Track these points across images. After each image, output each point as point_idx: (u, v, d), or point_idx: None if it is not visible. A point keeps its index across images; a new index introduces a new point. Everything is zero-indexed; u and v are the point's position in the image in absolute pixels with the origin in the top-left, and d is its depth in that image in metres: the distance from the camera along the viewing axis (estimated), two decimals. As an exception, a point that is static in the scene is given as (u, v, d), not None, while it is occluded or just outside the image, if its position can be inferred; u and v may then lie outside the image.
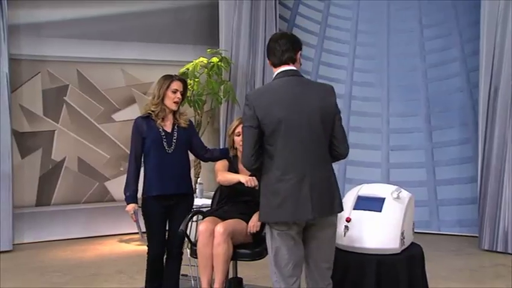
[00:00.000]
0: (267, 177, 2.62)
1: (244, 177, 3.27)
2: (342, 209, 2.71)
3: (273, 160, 2.59)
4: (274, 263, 2.65)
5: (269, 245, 2.67)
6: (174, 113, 3.43)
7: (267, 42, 2.77)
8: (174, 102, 3.38)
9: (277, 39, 2.68)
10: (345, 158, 2.73)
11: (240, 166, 3.49)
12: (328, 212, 2.62)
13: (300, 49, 2.71)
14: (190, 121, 3.55)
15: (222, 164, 3.50)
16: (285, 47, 2.64)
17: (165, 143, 3.35)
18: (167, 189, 3.35)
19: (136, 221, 3.38)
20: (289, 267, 2.63)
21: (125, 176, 3.41)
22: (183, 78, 3.53)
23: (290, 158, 2.57)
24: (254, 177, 3.25)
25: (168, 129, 3.40)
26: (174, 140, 3.38)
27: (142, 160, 3.41)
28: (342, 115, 2.70)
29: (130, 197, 3.35)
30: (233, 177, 3.36)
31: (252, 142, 2.59)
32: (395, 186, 3.28)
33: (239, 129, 3.41)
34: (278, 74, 2.67)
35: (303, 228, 2.65)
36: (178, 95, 3.39)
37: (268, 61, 2.74)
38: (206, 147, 3.62)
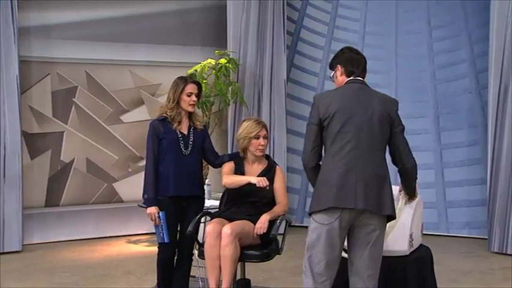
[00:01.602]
0: (322, 171, 2.69)
1: (254, 178, 3.26)
2: (392, 213, 2.65)
3: (330, 155, 2.67)
4: (308, 257, 2.67)
5: (307, 238, 2.69)
6: (190, 115, 3.45)
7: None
8: (190, 105, 3.41)
9: (358, 52, 2.85)
10: (411, 170, 2.76)
11: (247, 168, 3.49)
12: (375, 207, 2.60)
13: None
14: (204, 125, 3.59)
15: (228, 167, 3.48)
16: (363, 60, 2.83)
17: (182, 145, 3.38)
18: (183, 190, 3.36)
19: (160, 225, 3.27)
20: (321, 265, 2.64)
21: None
22: (197, 81, 3.55)
23: (344, 150, 2.63)
24: (265, 177, 3.25)
25: (185, 131, 3.42)
26: (191, 142, 3.40)
27: None
28: None
29: (151, 200, 3.33)
30: (242, 179, 3.34)
31: (312, 137, 2.71)
32: (404, 188, 3.26)
33: (260, 133, 3.41)
34: (347, 81, 2.80)
35: (348, 232, 2.66)
36: (194, 97, 3.41)
37: (337, 71, 2.84)
38: (216, 153, 3.62)
